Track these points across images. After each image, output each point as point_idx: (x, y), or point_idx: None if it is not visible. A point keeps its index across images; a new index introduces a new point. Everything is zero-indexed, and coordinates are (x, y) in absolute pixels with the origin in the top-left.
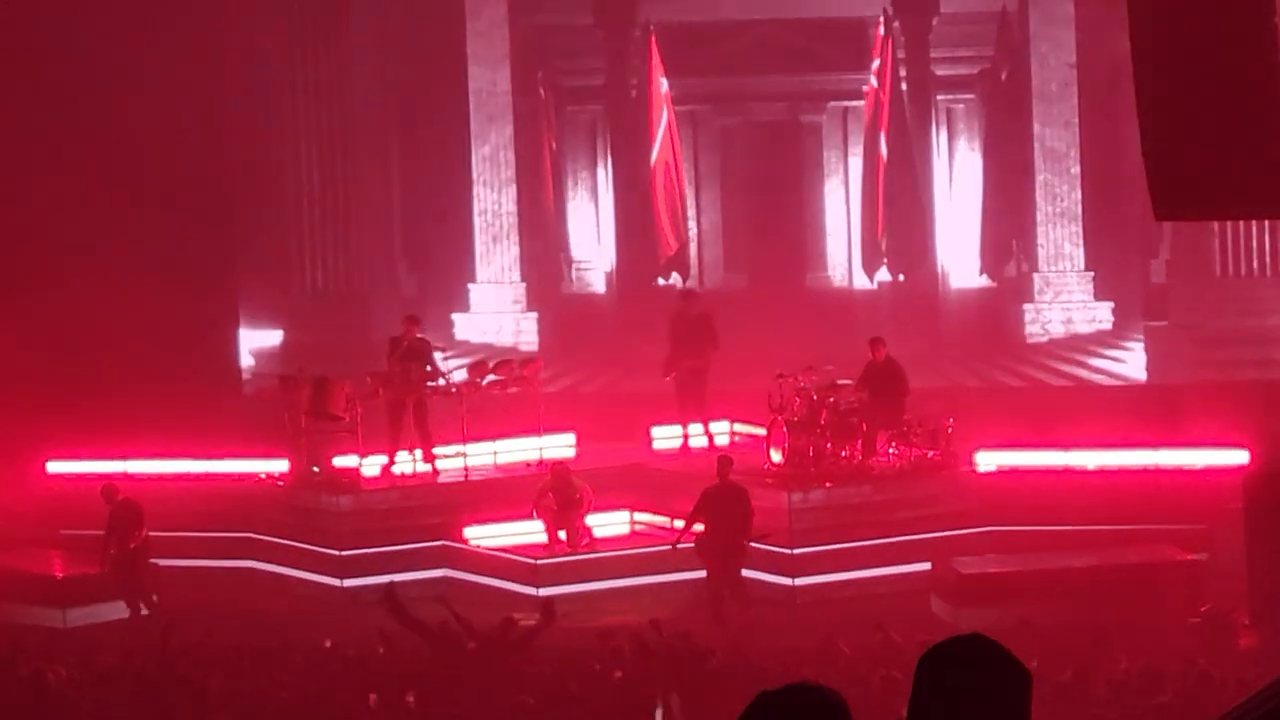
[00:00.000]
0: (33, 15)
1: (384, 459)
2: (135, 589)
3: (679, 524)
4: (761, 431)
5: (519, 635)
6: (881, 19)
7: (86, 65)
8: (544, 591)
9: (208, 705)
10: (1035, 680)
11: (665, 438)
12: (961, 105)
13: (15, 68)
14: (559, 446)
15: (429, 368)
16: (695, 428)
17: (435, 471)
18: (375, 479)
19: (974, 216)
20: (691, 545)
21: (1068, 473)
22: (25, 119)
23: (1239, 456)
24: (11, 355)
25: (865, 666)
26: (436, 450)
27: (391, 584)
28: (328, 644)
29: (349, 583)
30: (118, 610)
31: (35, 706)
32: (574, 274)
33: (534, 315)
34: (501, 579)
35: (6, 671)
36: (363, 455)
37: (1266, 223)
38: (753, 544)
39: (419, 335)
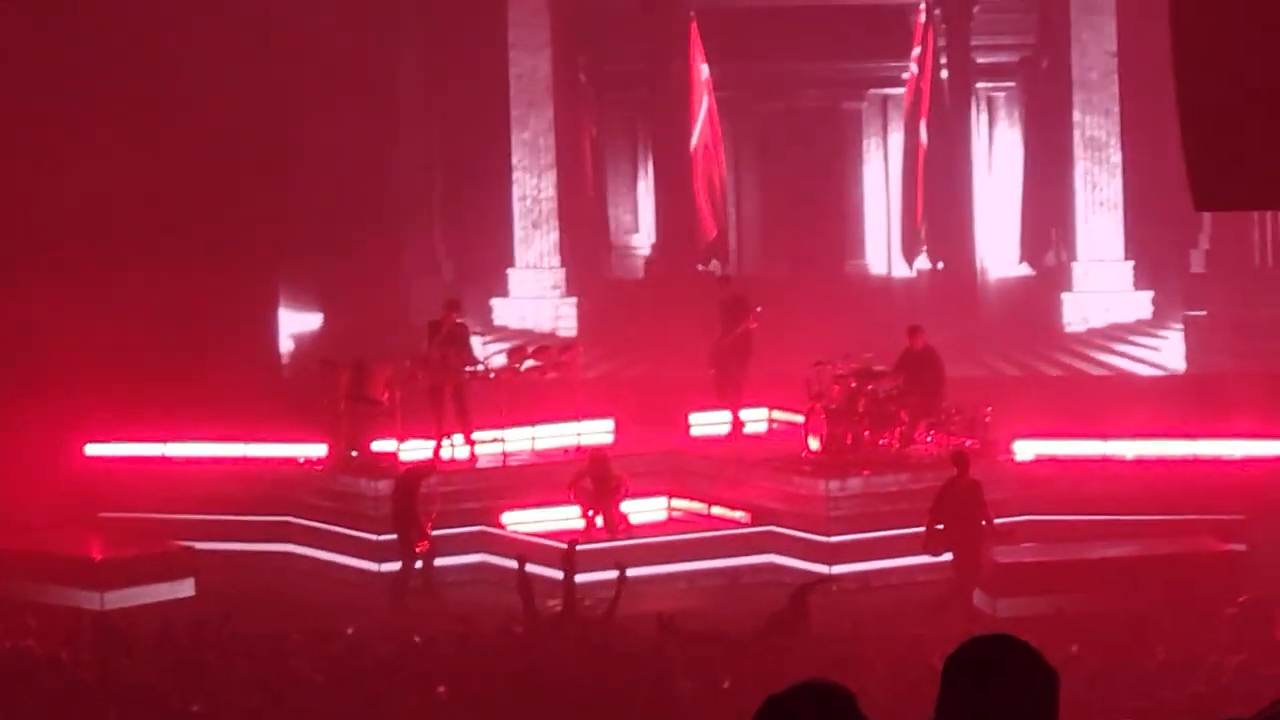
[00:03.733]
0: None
1: (426, 444)
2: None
3: (717, 511)
4: (799, 419)
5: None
6: (923, 5)
7: (138, 51)
8: (580, 578)
9: (231, 691)
10: (1071, 669)
11: (703, 424)
12: (1002, 93)
13: (65, 58)
14: (597, 432)
15: (467, 353)
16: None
17: (474, 456)
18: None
19: (1014, 205)
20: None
21: (1106, 462)
22: (74, 105)
23: (1278, 447)
24: (52, 336)
25: (902, 655)
26: (475, 435)
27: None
28: (349, 631)
29: (386, 567)
30: (155, 593)
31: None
32: (613, 260)
33: (573, 301)
34: (539, 564)
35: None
36: (401, 440)
37: None
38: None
39: (458, 320)
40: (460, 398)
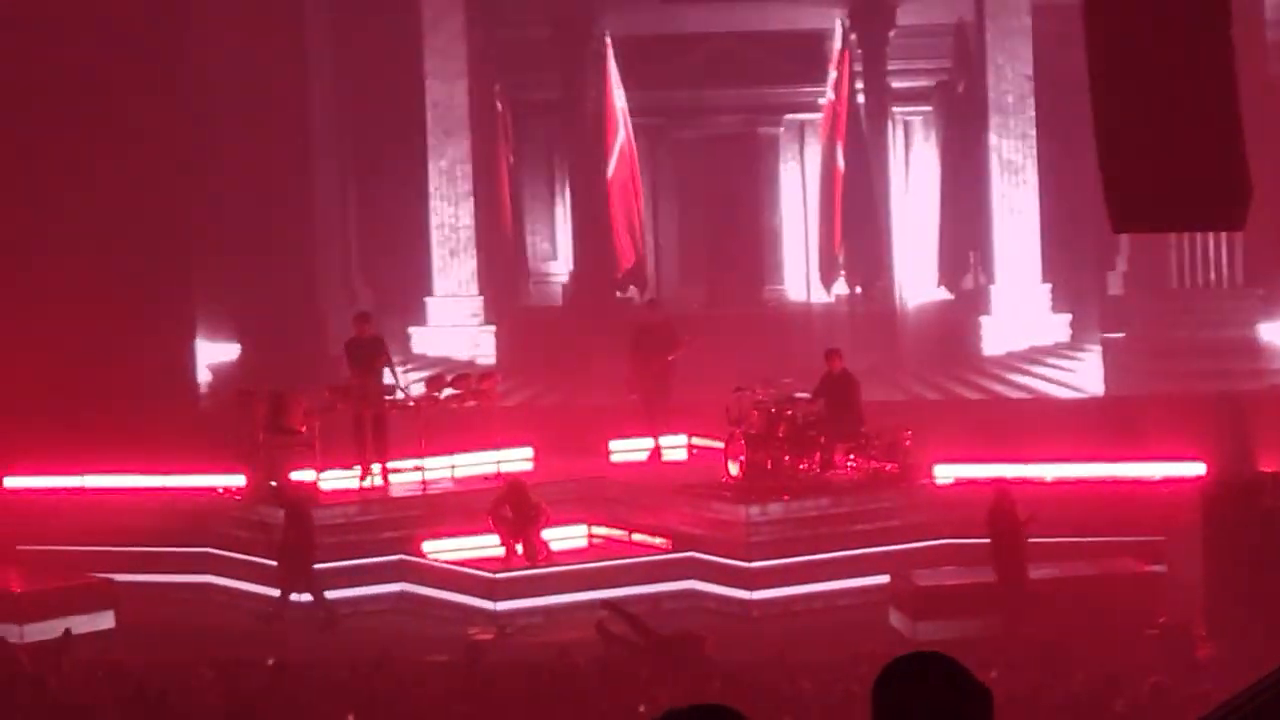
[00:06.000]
0: None
1: (349, 473)
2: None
3: (638, 537)
4: (719, 445)
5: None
6: (839, 31)
7: (47, 82)
8: (501, 606)
9: None
10: (991, 695)
11: (623, 451)
12: (918, 117)
13: None
14: (516, 460)
15: (387, 369)
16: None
17: (387, 485)
18: (344, 493)
19: (931, 229)
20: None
21: (1026, 485)
22: None
23: (1196, 469)
24: None
25: (825, 680)
26: (394, 464)
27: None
28: (270, 662)
29: (306, 597)
30: (75, 626)
31: None
32: (531, 287)
33: (491, 329)
34: (459, 593)
35: None
36: (320, 470)
37: (1223, 235)
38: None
39: (373, 334)
40: (380, 427)
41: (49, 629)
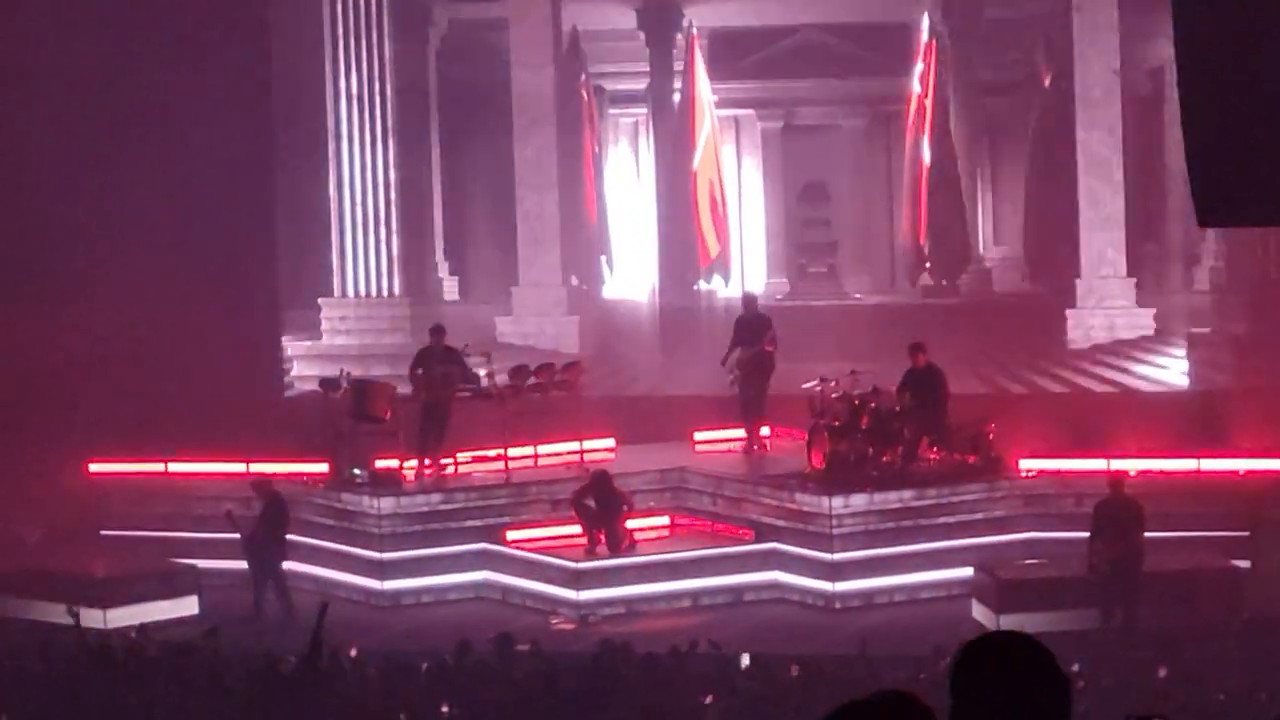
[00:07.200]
0: (82, 24)
1: (430, 461)
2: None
3: (721, 528)
4: (803, 436)
5: None
6: (926, 23)
7: (134, 72)
8: (583, 595)
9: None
10: (1074, 687)
11: (708, 441)
12: (1005, 111)
13: (65, 76)
14: (599, 450)
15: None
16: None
17: (440, 475)
18: (428, 480)
19: (1016, 222)
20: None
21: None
22: (73, 124)
23: None
24: (56, 358)
25: (908, 673)
26: (461, 458)
27: None
28: (353, 653)
29: (389, 585)
30: (159, 611)
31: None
32: (615, 278)
33: (575, 319)
34: (542, 582)
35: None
36: (404, 459)
37: None
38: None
39: (448, 345)
40: (446, 417)
41: (132, 614)
